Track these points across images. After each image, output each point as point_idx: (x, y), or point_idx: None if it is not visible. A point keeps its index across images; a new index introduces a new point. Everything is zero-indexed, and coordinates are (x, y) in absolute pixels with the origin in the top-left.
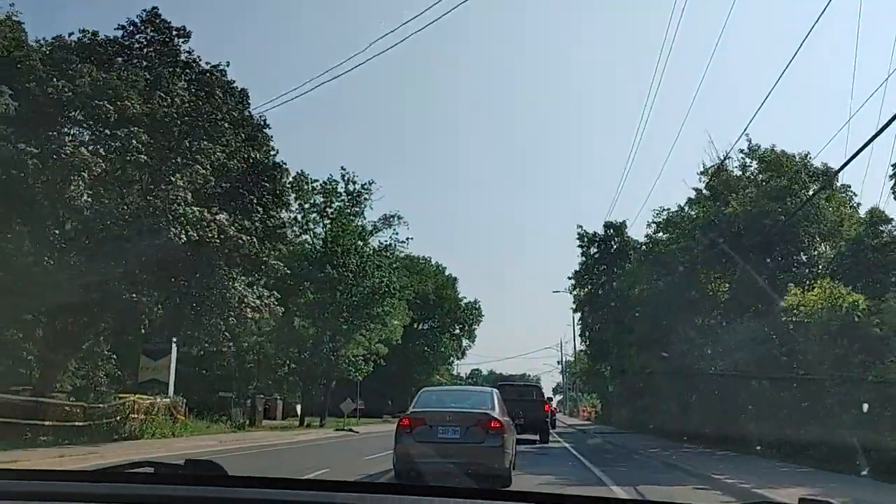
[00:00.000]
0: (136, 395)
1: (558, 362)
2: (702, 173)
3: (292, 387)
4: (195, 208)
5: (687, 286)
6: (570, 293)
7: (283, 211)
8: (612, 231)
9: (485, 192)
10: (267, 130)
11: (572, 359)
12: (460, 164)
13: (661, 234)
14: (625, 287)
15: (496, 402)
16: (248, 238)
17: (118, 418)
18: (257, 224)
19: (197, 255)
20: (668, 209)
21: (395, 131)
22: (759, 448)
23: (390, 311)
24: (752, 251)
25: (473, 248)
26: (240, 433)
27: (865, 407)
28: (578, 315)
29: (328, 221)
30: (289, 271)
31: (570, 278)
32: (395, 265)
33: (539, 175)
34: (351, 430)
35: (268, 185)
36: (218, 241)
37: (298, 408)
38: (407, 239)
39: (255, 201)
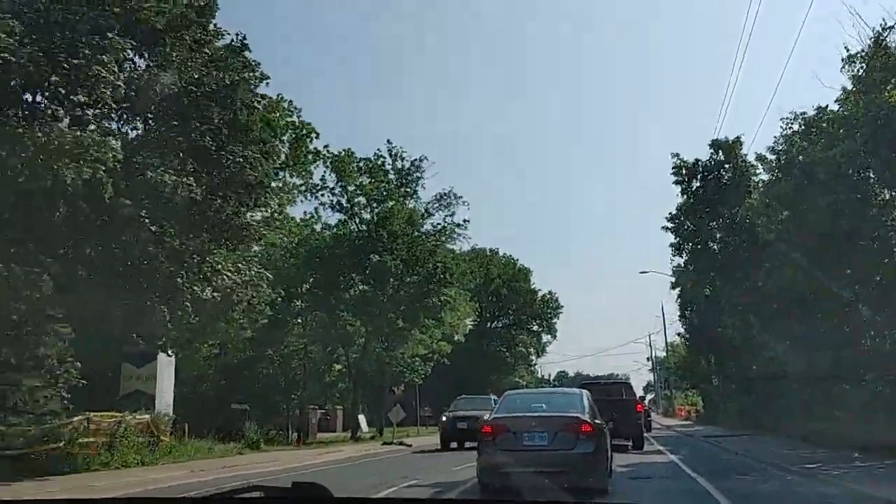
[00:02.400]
0: (95, 413)
1: (648, 358)
2: (848, 60)
3: (345, 394)
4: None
5: (855, 214)
6: (674, 252)
7: (262, 161)
8: (720, 154)
9: (556, 176)
10: (248, 54)
11: (664, 354)
12: (527, 144)
13: (798, 142)
14: (754, 215)
15: (586, 403)
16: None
17: (61, 444)
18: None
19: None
20: (804, 113)
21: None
22: None
23: (449, 300)
24: None
25: (547, 239)
26: (246, 455)
27: None
28: (676, 291)
29: (375, 204)
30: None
31: (665, 228)
32: (451, 250)
33: (616, 139)
34: (402, 443)
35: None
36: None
37: (361, 417)
38: (464, 221)
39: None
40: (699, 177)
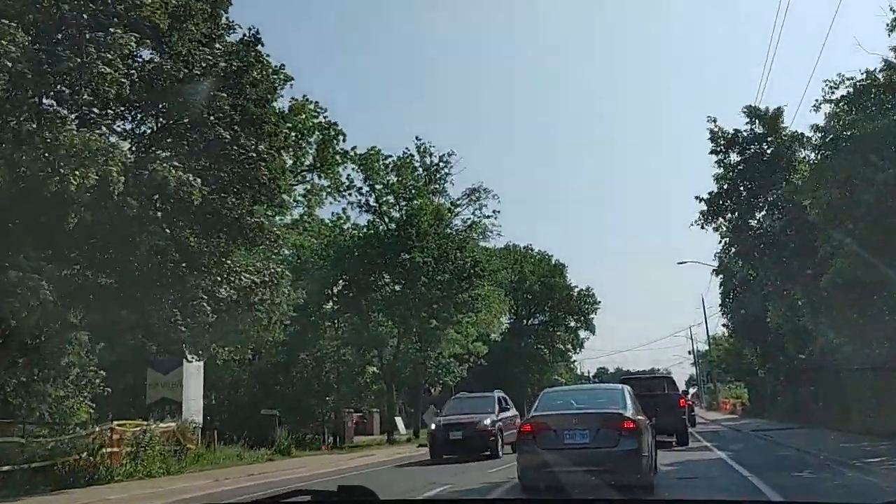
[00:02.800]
0: (120, 423)
1: (689, 352)
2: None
3: (380, 396)
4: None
5: None
6: (703, 221)
7: (280, 153)
8: (759, 125)
9: (590, 168)
10: (261, 49)
11: (706, 347)
12: (560, 136)
13: (844, 116)
14: (800, 194)
15: (628, 399)
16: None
17: (83, 455)
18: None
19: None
20: (851, 78)
21: (471, 99)
22: None
23: (480, 296)
24: None
25: (581, 234)
26: (276, 461)
27: None
28: (719, 279)
29: (404, 203)
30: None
31: (699, 198)
32: (483, 247)
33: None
34: None
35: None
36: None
37: (398, 420)
38: (494, 212)
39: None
40: (738, 149)
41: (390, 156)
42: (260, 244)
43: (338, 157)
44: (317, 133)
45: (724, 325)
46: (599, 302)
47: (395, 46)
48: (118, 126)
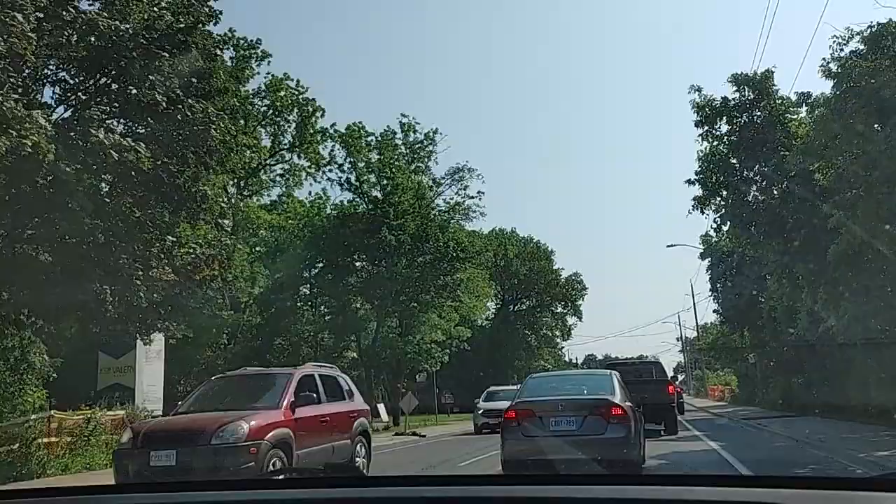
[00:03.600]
0: (60, 411)
1: (677, 339)
2: None
3: (359, 383)
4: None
5: None
6: (700, 206)
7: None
8: (750, 90)
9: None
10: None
11: (694, 333)
12: (545, 120)
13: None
14: (807, 154)
15: (616, 385)
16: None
17: (14, 447)
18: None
19: None
20: (861, 32)
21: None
22: None
23: (462, 279)
24: None
25: (570, 219)
26: None
27: None
28: (706, 263)
29: (385, 181)
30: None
31: (689, 181)
32: (467, 229)
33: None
34: (415, 433)
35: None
36: None
37: (381, 407)
38: (479, 193)
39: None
40: (726, 118)
41: (373, 133)
42: (203, 216)
43: (318, 136)
44: (295, 110)
45: (714, 311)
46: (587, 288)
47: (373, 22)
48: (50, 91)
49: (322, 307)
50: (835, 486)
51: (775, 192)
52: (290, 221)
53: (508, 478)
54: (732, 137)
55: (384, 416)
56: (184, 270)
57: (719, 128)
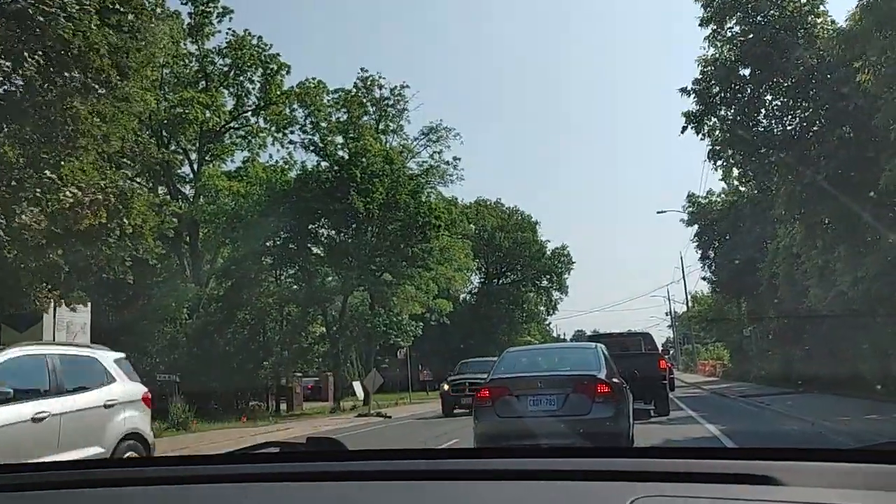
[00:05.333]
0: None
1: (666, 313)
2: None
3: (330, 359)
4: None
5: None
6: (695, 123)
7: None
8: None
9: (562, 117)
10: None
11: (683, 307)
12: (530, 84)
13: None
14: (847, 45)
15: (602, 359)
16: None
17: None
18: None
19: None
20: None
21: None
22: None
23: (433, 249)
24: None
25: (558, 190)
26: (163, 439)
27: None
28: (695, 229)
29: (353, 143)
30: None
31: (683, 90)
32: (446, 196)
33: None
34: (381, 413)
35: None
36: None
37: (357, 385)
38: (455, 159)
39: None
40: (739, 16)
41: (340, 89)
42: (82, 143)
43: (283, 97)
44: (259, 70)
45: (704, 279)
46: (574, 262)
47: None
48: None
49: (284, 277)
50: (827, 457)
51: (798, 107)
52: (252, 188)
53: (491, 451)
54: (746, 38)
55: (360, 393)
56: (60, 218)
57: (730, 28)
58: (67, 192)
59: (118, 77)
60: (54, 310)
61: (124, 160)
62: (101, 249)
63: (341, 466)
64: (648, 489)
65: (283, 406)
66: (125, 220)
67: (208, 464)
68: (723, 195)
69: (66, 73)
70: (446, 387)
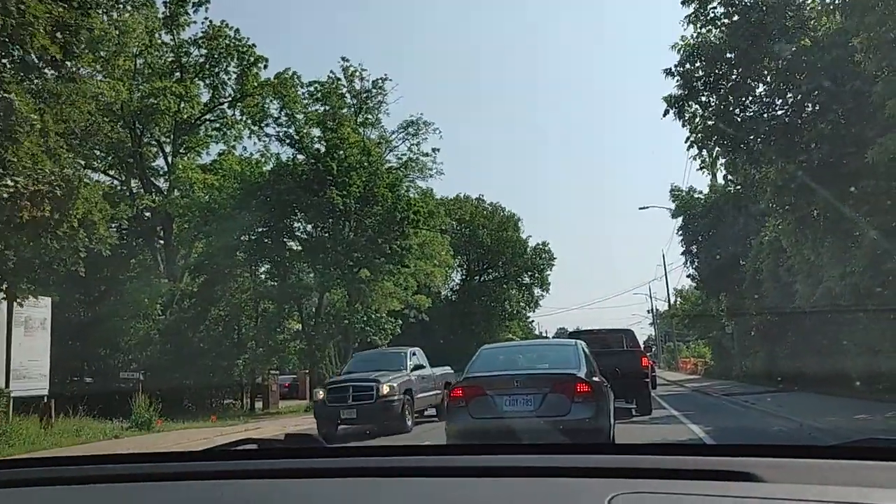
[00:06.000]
0: None
1: (648, 310)
2: None
3: (306, 357)
4: None
5: None
6: (676, 108)
7: None
8: None
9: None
10: None
11: (665, 305)
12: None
13: None
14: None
15: (582, 357)
16: None
17: None
18: None
19: None
20: None
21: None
22: None
23: (411, 245)
24: None
25: (536, 185)
26: (122, 439)
27: None
28: (678, 222)
29: (329, 133)
30: None
31: (667, 71)
32: (418, 185)
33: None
34: None
35: None
36: None
37: None
38: (434, 150)
39: None
40: None
41: (315, 81)
42: (14, 136)
43: (260, 89)
44: (234, 61)
45: (688, 276)
46: (555, 258)
47: None
48: None
49: (260, 273)
50: (807, 454)
51: (788, 91)
52: (226, 182)
53: (471, 447)
54: (729, 21)
55: None
56: None
57: (713, 8)
58: (9, 182)
59: (64, 57)
60: (9, 306)
61: (78, 144)
62: (48, 242)
63: (319, 463)
64: (628, 485)
65: (259, 404)
66: (70, 211)
67: (185, 460)
68: (705, 192)
69: None
70: (321, 394)
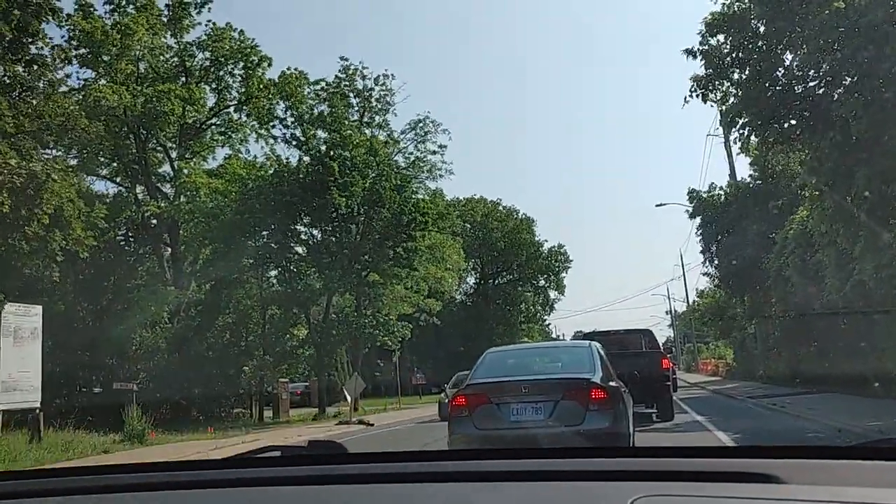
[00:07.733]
0: None
1: (667, 312)
2: None
3: (314, 362)
4: None
5: None
6: (703, 89)
7: None
8: None
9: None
10: None
11: (684, 306)
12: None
13: None
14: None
15: (598, 360)
16: None
17: None
18: None
19: None
20: None
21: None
22: None
23: (419, 248)
24: None
25: (551, 187)
26: (112, 454)
27: None
28: (697, 222)
29: (333, 134)
30: None
31: (688, 51)
32: (427, 186)
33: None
34: (362, 421)
35: None
36: None
37: (346, 390)
38: (441, 147)
39: None
40: None
41: (321, 80)
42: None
43: (265, 91)
44: (240, 63)
45: (704, 274)
46: (571, 260)
47: None
48: None
49: (267, 278)
50: (826, 454)
51: (824, 60)
52: (231, 186)
53: (491, 452)
54: None
55: (349, 398)
56: None
57: None
58: None
59: (19, 35)
60: None
61: (52, 138)
62: (16, 242)
63: (342, 469)
64: (649, 488)
65: (269, 413)
66: (39, 206)
67: (208, 468)
68: (724, 189)
69: None
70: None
